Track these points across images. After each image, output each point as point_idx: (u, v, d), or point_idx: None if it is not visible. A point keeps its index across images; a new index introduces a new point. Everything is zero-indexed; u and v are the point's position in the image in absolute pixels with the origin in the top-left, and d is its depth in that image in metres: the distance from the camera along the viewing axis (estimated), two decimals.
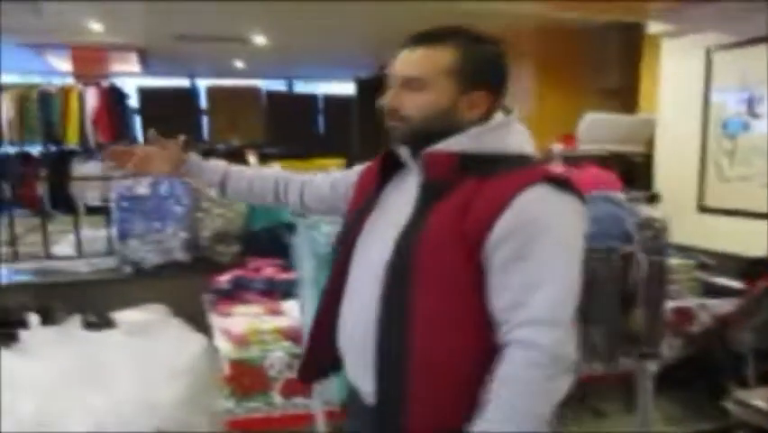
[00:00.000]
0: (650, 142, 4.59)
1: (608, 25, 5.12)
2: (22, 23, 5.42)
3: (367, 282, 1.23)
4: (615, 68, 5.30)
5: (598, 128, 4.20)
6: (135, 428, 2.61)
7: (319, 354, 1.44)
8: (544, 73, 5.62)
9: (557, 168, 3.19)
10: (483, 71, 1.21)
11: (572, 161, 3.56)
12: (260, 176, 1.65)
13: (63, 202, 6.05)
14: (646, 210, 2.78)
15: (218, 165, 1.66)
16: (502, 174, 1.14)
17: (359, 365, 1.27)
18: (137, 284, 3.56)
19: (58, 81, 6.62)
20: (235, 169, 1.66)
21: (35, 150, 6.60)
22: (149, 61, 8.11)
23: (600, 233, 2.44)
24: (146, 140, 1.67)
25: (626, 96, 5.09)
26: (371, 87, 7.57)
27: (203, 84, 10.07)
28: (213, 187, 1.65)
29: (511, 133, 1.22)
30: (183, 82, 9.98)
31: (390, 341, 1.18)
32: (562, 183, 1.15)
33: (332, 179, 1.58)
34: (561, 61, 5.55)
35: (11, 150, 6.35)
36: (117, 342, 3.02)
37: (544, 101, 5.53)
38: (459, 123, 1.20)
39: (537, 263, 1.10)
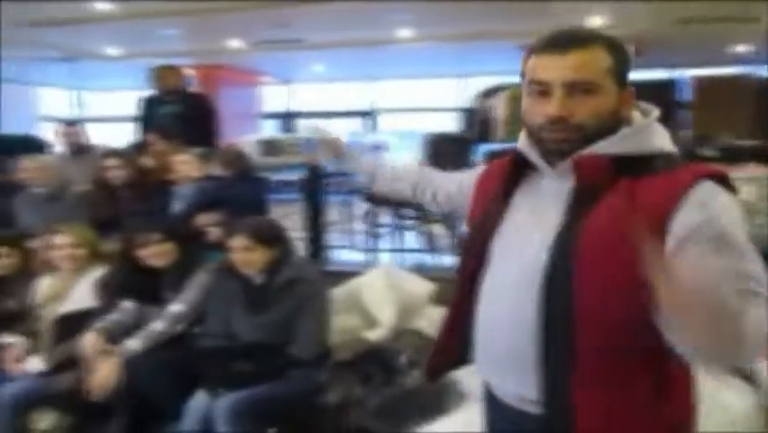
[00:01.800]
0: None
1: None
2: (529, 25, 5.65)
3: (516, 286, 1.20)
4: None
5: None
6: None
7: (447, 354, 1.43)
8: None
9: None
10: (627, 70, 1.19)
11: None
12: (404, 170, 1.72)
13: None
14: None
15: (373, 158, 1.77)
16: (661, 173, 1.13)
17: (510, 370, 1.23)
18: None
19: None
20: (386, 163, 1.77)
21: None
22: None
23: None
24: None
25: None
26: None
27: (689, 74, 9.25)
28: (366, 172, 1.74)
29: (657, 133, 1.20)
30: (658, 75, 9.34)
31: (557, 345, 1.14)
32: (723, 179, 1.12)
33: (460, 177, 1.59)
34: None
35: (499, 147, 6.81)
36: None
37: None
38: (619, 124, 1.18)
39: (736, 259, 1.04)
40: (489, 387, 1.35)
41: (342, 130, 12.41)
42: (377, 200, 4.74)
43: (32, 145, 7.53)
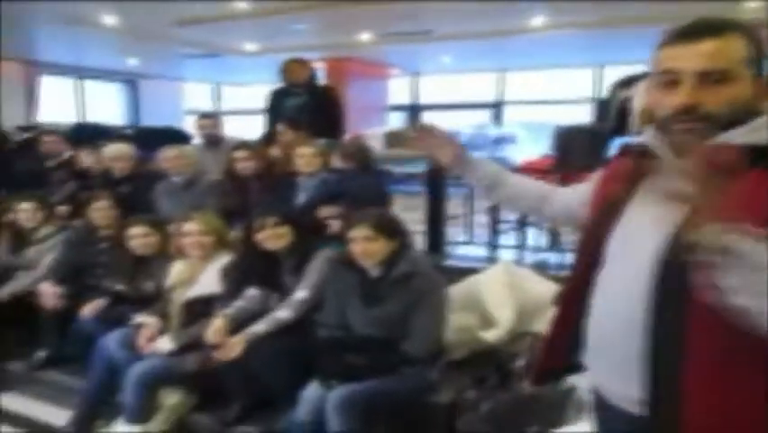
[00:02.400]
0: None
1: None
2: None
3: (631, 284, 1.16)
4: None
5: None
6: None
7: (556, 357, 1.43)
8: None
9: None
10: (761, 58, 1.14)
11: None
12: (526, 186, 1.63)
13: None
14: None
15: (492, 167, 1.63)
16: None
17: (622, 370, 1.20)
18: None
19: None
20: (506, 175, 1.62)
21: None
22: None
23: None
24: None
25: None
26: None
27: None
28: (481, 185, 1.63)
29: None
30: None
31: (669, 345, 1.11)
32: None
33: (580, 191, 1.50)
34: None
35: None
36: None
37: None
38: (754, 114, 1.13)
39: None
40: (599, 392, 1.33)
41: (466, 122, 12.25)
42: None
43: (176, 137, 8.08)
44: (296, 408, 2.51)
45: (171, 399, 2.89)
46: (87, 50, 10.08)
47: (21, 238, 3.85)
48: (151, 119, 11.98)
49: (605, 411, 1.31)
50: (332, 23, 7.90)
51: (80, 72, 11.99)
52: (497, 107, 12.59)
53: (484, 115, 12.67)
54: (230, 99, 16.00)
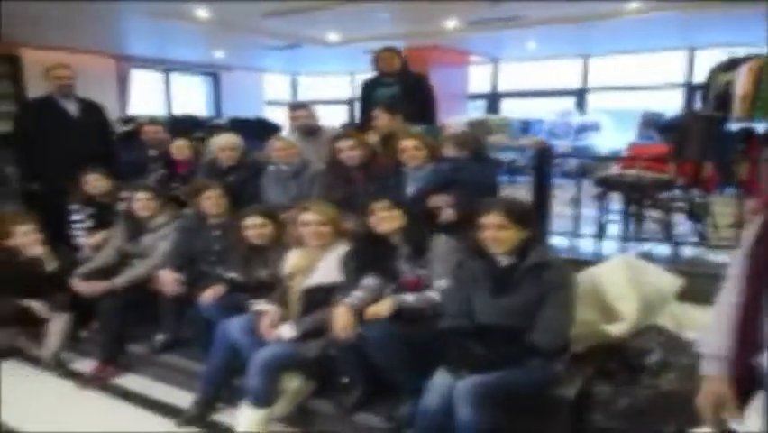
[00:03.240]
0: None
1: None
2: None
3: None
4: None
5: None
6: None
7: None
8: None
9: None
10: None
11: None
12: None
13: None
14: None
15: None
16: None
17: None
18: None
19: None
20: None
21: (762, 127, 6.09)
22: None
23: None
24: None
25: None
26: None
27: None
28: None
29: None
30: None
31: None
32: None
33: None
34: None
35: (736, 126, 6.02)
36: None
37: None
38: None
39: None
40: None
41: (548, 110, 11.97)
42: (609, 184, 4.46)
43: (266, 128, 8.25)
44: (420, 396, 2.51)
45: (293, 384, 2.96)
46: (175, 43, 10.39)
47: (137, 227, 4.01)
48: (233, 110, 12.26)
49: None
50: (416, 10, 7.84)
51: (167, 65, 12.40)
52: (580, 94, 12.23)
53: (567, 103, 12.33)
54: (307, 90, 16.20)
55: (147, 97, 12.28)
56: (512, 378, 2.44)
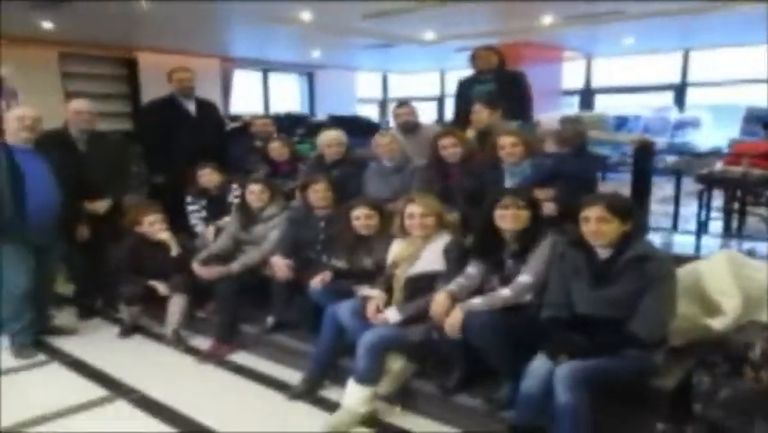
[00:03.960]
0: None
1: None
2: None
3: None
4: None
5: None
6: None
7: None
8: None
9: None
10: None
11: None
12: None
13: None
14: None
15: None
16: None
17: None
18: None
19: None
20: None
21: None
22: None
23: None
24: None
25: None
26: None
27: None
28: None
29: None
30: None
31: None
32: None
33: None
34: None
35: None
36: None
37: None
38: None
39: None
40: None
41: (646, 105, 11.64)
42: (711, 181, 4.39)
43: (362, 125, 8.53)
44: (518, 380, 2.64)
45: (396, 365, 3.15)
46: (275, 45, 10.88)
47: (250, 217, 4.33)
48: (326, 107, 12.68)
49: None
50: (512, 8, 7.87)
51: (265, 65, 12.98)
52: (679, 89, 11.83)
53: (666, 98, 11.95)
54: (396, 87, 16.47)
55: (247, 95, 12.93)
56: (610, 366, 2.53)
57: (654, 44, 11.03)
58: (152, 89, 9.33)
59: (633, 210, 2.65)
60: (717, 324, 2.83)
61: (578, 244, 2.67)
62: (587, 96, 12.77)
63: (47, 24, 7.96)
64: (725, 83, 11.63)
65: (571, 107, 12.36)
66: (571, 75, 12.65)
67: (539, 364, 2.59)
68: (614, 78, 12.78)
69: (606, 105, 12.30)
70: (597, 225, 2.57)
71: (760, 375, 2.43)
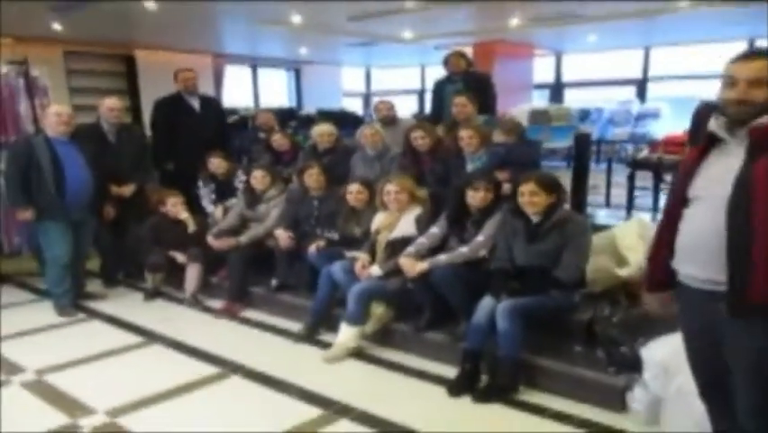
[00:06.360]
0: None
1: None
2: None
3: (710, 210, 1.88)
4: None
5: None
6: None
7: (659, 268, 2.16)
8: None
9: None
10: None
11: None
12: None
13: None
14: None
15: None
16: None
17: (709, 262, 1.90)
18: None
19: None
20: None
21: None
22: None
23: None
24: None
25: None
26: None
27: None
28: None
29: None
30: None
31: (740, 240, 1.80)
32: None
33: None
34: None
35: None
36: None
37: None
38: None
39: None
40: (683, 282, 2.04)
41: (610, 99, 12.51)
42: (636, 165, 5.25)
43: (348, 118, 9.29)
44: (472, 316, 3.47)
45: (378, 309, 3.98)
46: (265, 42, 11.58)
47: (254, 197, 5.12)
48: (312, 101, 13.43)
49: (688, 294, 2.02)
50: (483, 9, 8.61)
51: (255, 61, 13.69)
52: (641, 83, 12.74)
53: (628, 92, 12.86)
54: (379, 81, 17.24)
55: (237, 90, 13.63)
56: (539, 302, 3.37)
57: (617, 42, 11.89)
58: (149, 84, 10.04)
59: (558, 185, 3.47)
60: (623, 272, 3.68)
61: (516, 212, 3.50)
62: (557, 89, 13.64)
63: (56, 26, 8.61)
64: (683, 77, 12.53)
65: (543, 100, 13.19)
66: (543, 70, 13.49)
67: (486, 302, 3.42)
68: (582, 73, 13.65)
69: (575, 99, 13.17)
70: (530, 198, 3.39)
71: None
